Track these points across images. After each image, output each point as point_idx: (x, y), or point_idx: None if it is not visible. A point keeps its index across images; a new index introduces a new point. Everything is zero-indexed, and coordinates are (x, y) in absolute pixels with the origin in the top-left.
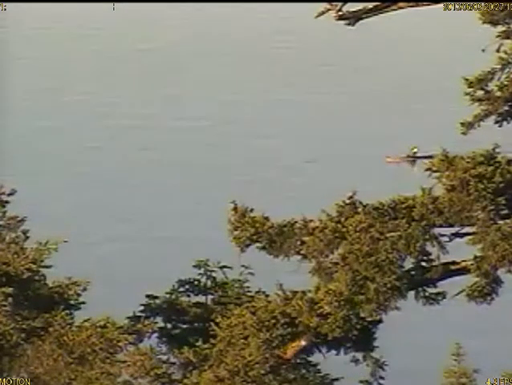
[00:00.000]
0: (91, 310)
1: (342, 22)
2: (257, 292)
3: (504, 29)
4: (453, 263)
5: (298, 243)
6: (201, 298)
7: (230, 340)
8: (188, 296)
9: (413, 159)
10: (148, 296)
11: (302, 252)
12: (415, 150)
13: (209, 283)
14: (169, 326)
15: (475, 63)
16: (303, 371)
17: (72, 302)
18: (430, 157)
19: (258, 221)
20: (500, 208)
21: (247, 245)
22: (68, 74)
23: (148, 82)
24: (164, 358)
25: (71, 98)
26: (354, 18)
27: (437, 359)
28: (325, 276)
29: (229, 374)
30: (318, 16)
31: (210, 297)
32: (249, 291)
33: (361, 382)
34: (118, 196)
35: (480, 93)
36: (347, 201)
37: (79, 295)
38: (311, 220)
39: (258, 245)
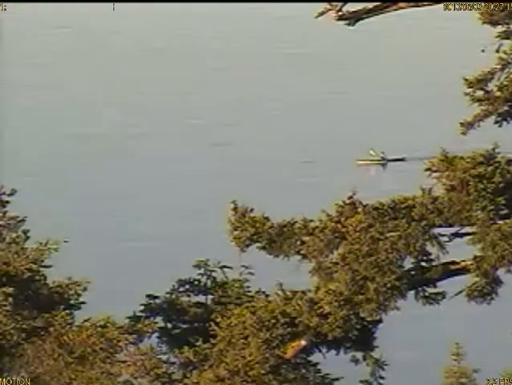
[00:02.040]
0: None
1: (342, 22)
2: (257, 292)
3: (504, 29)
4: (453, 263)
5: (298, 243)
6: (201, 298)
7: (230, 340)
8: (189, 296)
9: (384, 162)
10: (148, 296)
11: (302, 252)
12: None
13: (209, 283)
14: (169, 325)
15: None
16: (303, 371)
17: (72, 302)
18: (402, 160)
19: (258, 221)
20: (500, 208)
21: (247, 245)
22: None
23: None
24: (165, 357)
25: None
26: (354, 18)
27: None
28: (325, 276)
29: (229, 373)
30: (318, 16)
31: (210, 297)
32: (249, 291)
33: (361, 382)
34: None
35: (480, 93)
36: (347, 201)
37: (79, 295)
38: (311, 220)
39: (258, 245)
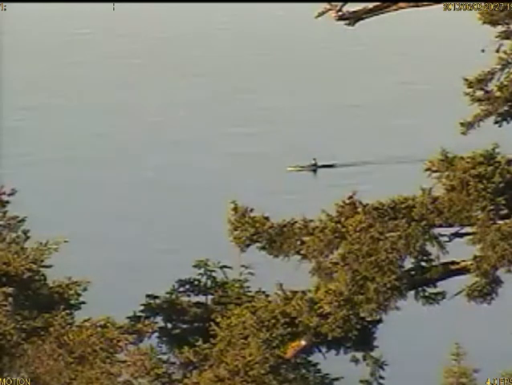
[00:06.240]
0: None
1: (342, 22)
2: (257, 292)
3: (504, 29)
4: (453, 263)
5: (298, 243)
6: (201, 298)
7: (230, 340)
8: (189, 296)
9: (314, 168)
10: (148, 296)
11: (302, 252)
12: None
13: (209, 283)
14: (169, 325)
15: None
16: (303, 371)
17: (72, 302)
18: (331, 166)
19: (258, 221)
20: (500, 208)
21: (247, 245)
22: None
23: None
24: (165, 357)
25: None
26: (354, 18)
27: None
28: (325, 276)
29: (229, 373)
30: (318, 16)
31: (210, 297)
32: (249, 291)
33: (361, 382)
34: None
35: (480, 93)
36: (347, 201)
37: (79, 295)
38: (311, 220)
39: (258, 245)
